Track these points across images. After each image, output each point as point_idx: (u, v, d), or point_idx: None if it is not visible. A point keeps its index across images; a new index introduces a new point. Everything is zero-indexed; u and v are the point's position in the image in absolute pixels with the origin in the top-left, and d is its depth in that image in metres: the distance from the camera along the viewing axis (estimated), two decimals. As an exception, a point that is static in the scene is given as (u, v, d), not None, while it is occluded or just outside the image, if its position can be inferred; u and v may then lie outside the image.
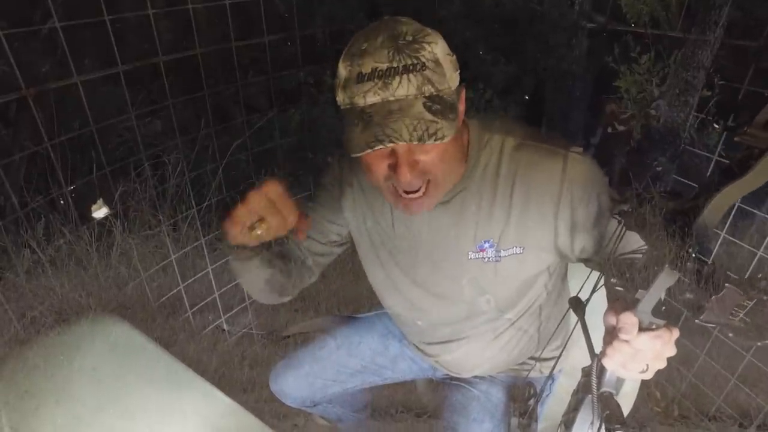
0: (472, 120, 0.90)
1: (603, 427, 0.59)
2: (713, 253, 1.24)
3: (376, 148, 0.70)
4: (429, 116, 0.71)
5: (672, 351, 0.57)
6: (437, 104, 0.73)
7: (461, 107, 0.79)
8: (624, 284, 0.55)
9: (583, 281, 0.77)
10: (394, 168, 0.77)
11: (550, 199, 0.83)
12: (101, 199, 1.27)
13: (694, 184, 1.49)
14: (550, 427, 1.14)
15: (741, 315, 0.45)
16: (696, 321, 0.46)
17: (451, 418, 1.10)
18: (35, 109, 1.08)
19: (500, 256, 0.90)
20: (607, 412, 0.58)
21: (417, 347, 1.19)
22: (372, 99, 0.72)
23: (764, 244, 1.37)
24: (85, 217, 1.27)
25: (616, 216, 0.58)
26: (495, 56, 1.99)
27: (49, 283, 1.24)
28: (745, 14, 1.22)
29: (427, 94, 0.73)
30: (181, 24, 1.32)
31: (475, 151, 0.88)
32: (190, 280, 1.64)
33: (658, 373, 0.60)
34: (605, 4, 1.59)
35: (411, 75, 0.71)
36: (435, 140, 0.71)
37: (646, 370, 0.58)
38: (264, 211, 0.73)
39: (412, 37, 0.73)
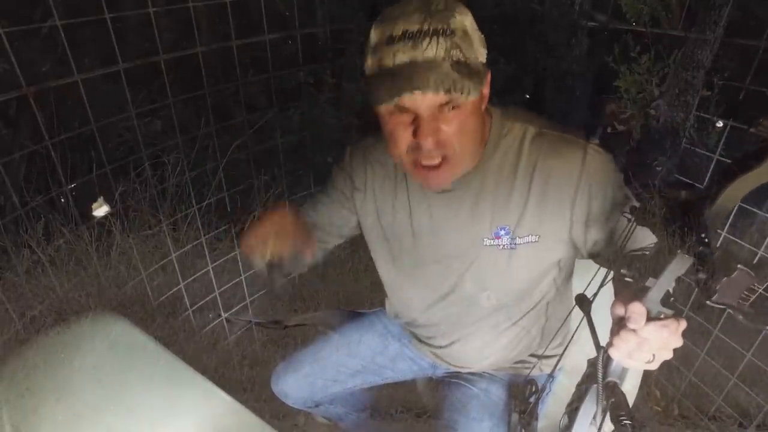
0: (495, 108, 0.91)
1: (608, 415, 0.59)
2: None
3: (403, 94, 0.72)
4: (456, 75, 0.73)
5: (679, 342, 0.57)
6: (464, 68, 0.74)
7: (486, 90, 0.81)
8: (633, 275, 0.55)
9: (590, 279, 0.77)
10: (416, 133, 0.79)
11: (568, 189, 0.84)
12: (101, 198, 1.27)
13: (695, 183, 1.50)
14: (550, 426, 1.14)
15: (752, 298, 0.45)
16: (707, 302, 0.47)
17: (450, 417, 1.10)
18: (35, 107, 1.08)
19: (515, 244, 0.91)
20: (613, 399, 0.58)
21: (422, 341, 1.19)
22: (401, 59, 0.73)
23: (765, 243, 1.38)
24: (85, 216, 1.27)
25: (626, 214, 0.58)
26: (494, 56, 1.99)
27: (49, 283, 1.23)
28: (746, 13, 1.22)
29: (455, 59, 0.74)
30: (181, 22, 1.31)
31: (496, 137, 0.89)
32: (190, 279, 1.64)
33: (661, 368, 0.61)
34: (606, 3, 1.59)
35: (441, 38, 0.73)
36: (461, 94, 0.72)
37: (653, 360, 0.58)
38: (275, 237, 0.81)
39: (444, 6, 0.75)
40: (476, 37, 0.78)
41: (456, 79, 0.72)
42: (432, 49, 0.72)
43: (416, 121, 0.78)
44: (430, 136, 0.78)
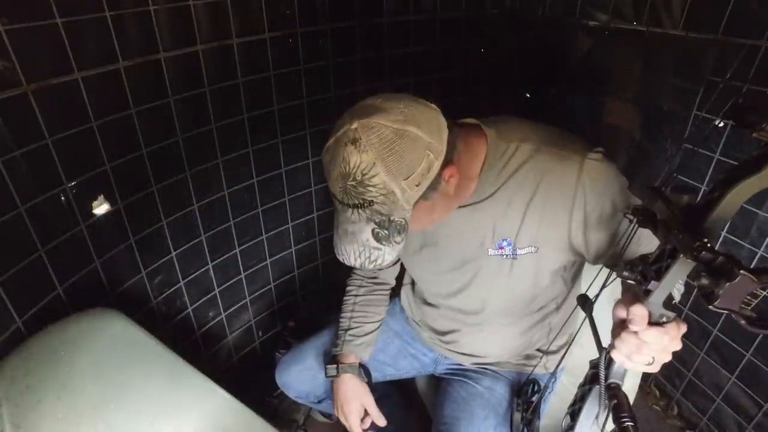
0: (490, 127, 0.94)
1: (610, 417, 0.60)
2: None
3: (337, 256, 0.82)
4: (374, 243, 0.78)
5: (678, 345, 0.58)
6: (385, 229, 0.78)
7: (448, 187, 0.83)
8: (635, 278, 0.56)
9: (592, 279, 0.78)
10: None
11: (563, 206, 0.86)
12: (102, 195, 1.27)
13: (696, 184, 1.50)
14: (552, 425, 1.15)
15: (754, 303, 0.46)
16: (709, 307, 0.47)
17: (453, 414, 1.12)
18: (36, 105, 1.08)
19: (517, 254, 0.95)
20: (615, 401, 0.59)
21: (436, 332, 1.23)
22: (337, 207, 0.81)
23: (765, 243, 1.38)
24: (86, 214, 1.26)
25: (628, 215, 0.59)
26: (494, 57, 1.99)
27: (49, 281, 1.23)
28: (747, 12, 1.22)
29: (377, 220, 0.77)
30: (183, 19, 1.31)
31: (493, 158, 0.92)
32: (190, 277, 1.65)
33: (660, 367, 0.61)
34: (607, 2, 1.59)
35: (360, 210, 0.77)
36: (375, 266, 0.79)
37: (652, 362, 0.59)
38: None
39: (361, 176, 0.74)
40: (406, 185, 0.76)
41: (372, 249, 0.78)
42: (355, 216, 0.77)
43: None
44: None
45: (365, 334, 1.25)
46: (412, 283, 1.29)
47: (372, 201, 0.75)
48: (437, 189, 0.81)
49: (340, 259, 0.81)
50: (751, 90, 1.25)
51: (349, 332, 1.25)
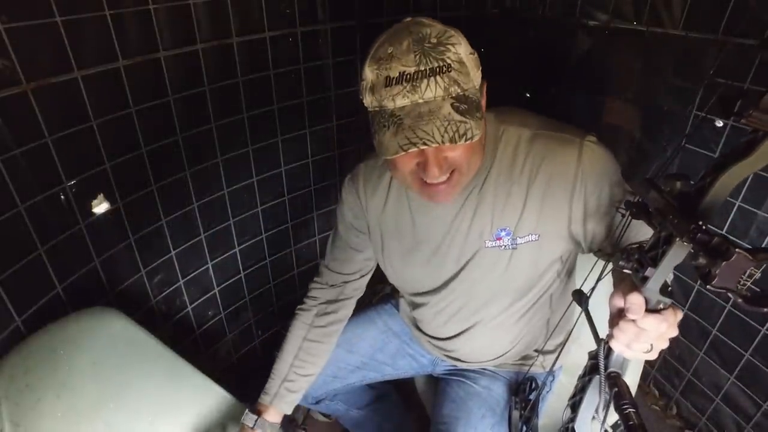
0: (488, 112, 0.92)
1: (611, 406, 0.60)
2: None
3: (409, 150, 0.72)
4: (458, 117, 0.72)
5: (675, 332, 0.59)
6: (464, 104, 0.74)
7: (483, 102, 0.81)
8: (631, 266, 0.56)
9: (587, 274, 0.78)
10: (422, 165, 0.79)
11: (565, 188, 0.86)
12: (101, 194, 1.27)
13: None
14: (550, 424, 1.15)
15: (749, 284, 0.46)
16: (707, 287, 0.48)
17: (451, 414, 1.11)
18: (35, 103, 1.08)
19: (516, 244, 0.93)
20: (615, 389, 0.59)
21: (430, 337, 1.21)
22: (401, 102, 0.73)
23: (764, 243, 1.38)
24: (85, 213, 1.26)
25: (621, 209, 0.59)
26: (494, 57, 1.99)
27: (49, 280, 1.23)
28: (747, 12, 1.22)
29: (454, 95, 0.74)
30: (182, 18, 1.31)
31: (492, 143, 0.90)
32: (190, 276, 1.65)
33: (659, 367, 0.62)
34: (607, 2, 1.59)
35: (438, 77, 0.73)
36: (465, 140, 0.72)
37: (651, 350, 0.59)
38: None
39: (436, 40, 0.74)
40: (471, 62, 0.77)
41: (458, 123, 0.72)
42: (431, 90, 0.72)
43: (422, 153, 0.79)
44: (437, 167, 0.79)
45: (298, 391, 1.14)
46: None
47: (450, 66, 0.73)
48: (480, 97, 0.80)
49: (416, 148, 0.71)
50: (750, 89, 1.25)
51: (285, 384, 1.12)
